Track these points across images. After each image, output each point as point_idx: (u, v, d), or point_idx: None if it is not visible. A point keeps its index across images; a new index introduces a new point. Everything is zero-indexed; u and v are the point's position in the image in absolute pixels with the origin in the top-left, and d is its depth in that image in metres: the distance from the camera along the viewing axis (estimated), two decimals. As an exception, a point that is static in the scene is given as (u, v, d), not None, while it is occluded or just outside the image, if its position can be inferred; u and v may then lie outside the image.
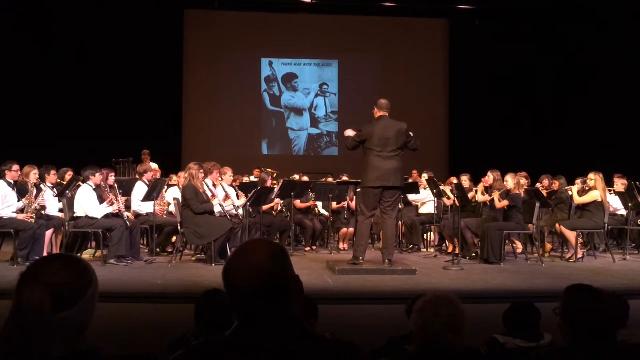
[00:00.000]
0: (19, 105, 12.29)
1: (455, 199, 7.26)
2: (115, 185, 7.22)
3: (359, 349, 1.37)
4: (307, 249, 8.55)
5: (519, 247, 8.12)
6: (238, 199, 7.84)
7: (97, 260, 6.93)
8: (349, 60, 15.37)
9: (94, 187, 6.92)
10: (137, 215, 7.56)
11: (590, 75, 12.43)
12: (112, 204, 6.87)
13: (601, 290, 2.05)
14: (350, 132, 6.51)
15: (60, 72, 12.74)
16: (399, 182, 6.34)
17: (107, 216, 6.87)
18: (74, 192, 7.01)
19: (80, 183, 7.05)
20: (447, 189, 8.32)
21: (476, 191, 8.12)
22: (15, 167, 6.87)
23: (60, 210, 7.26)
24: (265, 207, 8.03)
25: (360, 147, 6.41)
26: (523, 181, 7.78)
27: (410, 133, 6.39)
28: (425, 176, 8.92)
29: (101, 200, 6.99)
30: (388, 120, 6.38)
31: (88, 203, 6.79)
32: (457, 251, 7.38)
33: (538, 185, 8.75)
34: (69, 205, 6.89)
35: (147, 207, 7.51)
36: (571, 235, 7.61)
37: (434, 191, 8.20)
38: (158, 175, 9.24)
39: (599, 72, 12.28)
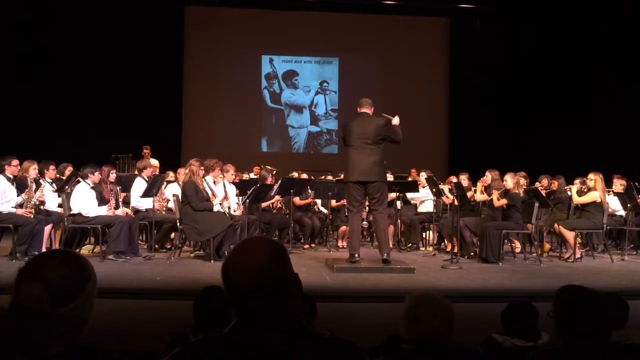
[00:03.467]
0: (18, 101, 12.27)
1: (455, 198, 7.26)
2: (118, 189, 7.23)
3: (356, 347, 1.37)
4: (306, 246, 8.55)
5: (518, 246, 8.13)
6: (236, 196, 7.84)
7: (95, 255, 6.95)
8: (349, 58, 15.37)
9: (91, 185, 6.92)
10: (136, 211, 7.56)
11: (590, 75, 12.42)
12: (110, 209, 6.90)
13: (593, 290, 2.05)
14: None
15: (60, 67, 12.72)
16: (378, 176, 6.34)
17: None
18: (73, 188, 7.02)
19: (80, 179, 7.05)
20: (445, 188, 8.32)
21: (475, 190, 8.12)
22: (15, 161, 6.87)
23: (59, 206, 7.26)
24: (264, 205, 8.03)
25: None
26: (522, 181, 7.79)
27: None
28: (423, 175, 8.92)
29: (101, 197, 6.99)
30: (367, 117, 6.48)
31: (82, 200, 6.80)
32: (455, 250, 7.39)
33: (537, 184, 8.76)
34: (68, 200, 6.89)
35: (146, 203, 7.51)
36: (570, 235, 7.62)
37: (433, 190, 8.20)
38: (157, 172, 9.24)
39: (598, 72, 12.27)
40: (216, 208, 7.15)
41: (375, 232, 7.31)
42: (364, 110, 6.52)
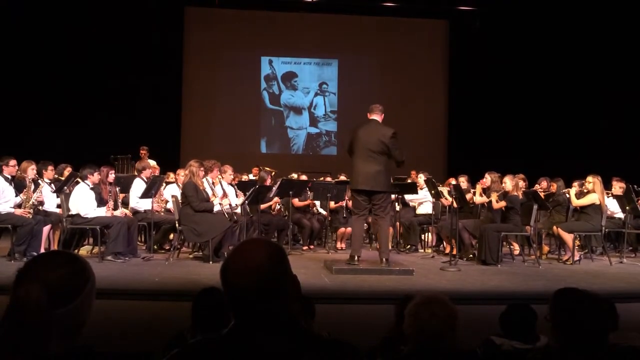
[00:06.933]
0: (18, 101, 12.26)
1: (454, 200, 7.27)
2: (117, 190, 7.23)
3: (355, 348, 1.37)
4: (305, 248, 8.55)
5: (516, 248, 8.13)
6: (237, 197, 7.84)
7: (94, 256, 6.94)
8: (348, 60, 15.38)
9: (91, 185, 6.92)
10: (135, 212, 7.56)
11: (591, 76, 12.43)
12: (109, 209, 6.90)
13: (590, 293, 2.05)
14: None
15: (60, 67, 12.72)
16: (380, 186, 6.27)
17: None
18: (72, 189, 7.02)
19: (79, 180, 7.05)
20: (444, 190, 8.33)
21: (474, 192, 8.13)
22: (12, 162, 6.86)
23: (58, 206, 7.25)
24: (263, 206, 8.03)
25: None
26: (521, 183, 7.80)
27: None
28: (421, 177, 8.92)
29: (100, 198, 6.99)
30: (375, 125, 6.40)
31: (82, 201, 6.80)
32: (454, 252, 7.39)
33: (536, 187, 8.77)
34: (67, 201, 6.88)
35: (145, 204, 7.51)
36: (568, 237, 7.62)
37: (432, 192, 8.20)
38: (156, 173, 9.24)
39: (598, 72, 12.28)
40: (216, 208, 7.14)
41: (377, 237, 7.30)
42: (374, 117, 6.43)
